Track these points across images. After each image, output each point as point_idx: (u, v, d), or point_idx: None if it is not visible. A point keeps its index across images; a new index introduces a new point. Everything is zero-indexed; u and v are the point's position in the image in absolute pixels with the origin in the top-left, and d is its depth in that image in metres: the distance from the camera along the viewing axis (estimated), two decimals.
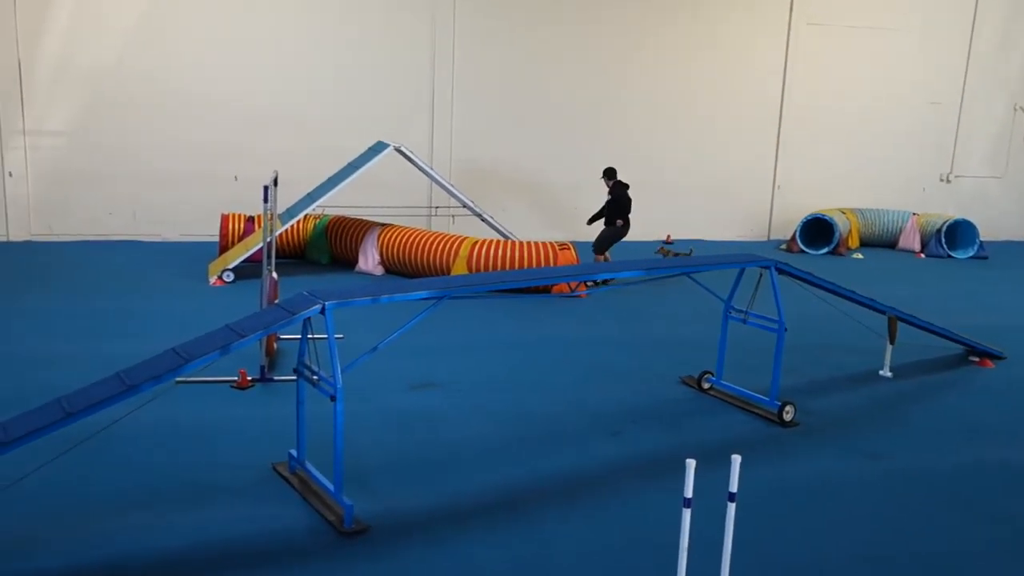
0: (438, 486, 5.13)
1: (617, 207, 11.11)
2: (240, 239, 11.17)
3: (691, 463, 3.43)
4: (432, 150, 13.72)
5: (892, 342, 7.61)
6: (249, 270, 10.18)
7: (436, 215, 13.19)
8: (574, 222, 11.60)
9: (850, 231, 14.79)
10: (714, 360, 7.00)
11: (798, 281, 6.91)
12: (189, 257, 11.63)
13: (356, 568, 4.21)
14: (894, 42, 15.65)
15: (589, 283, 9.88)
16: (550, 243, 10.63)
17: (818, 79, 15.38)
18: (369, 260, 11.25)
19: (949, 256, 14.46)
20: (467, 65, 13.76)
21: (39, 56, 12.22)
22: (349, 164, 11.28)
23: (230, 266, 10.31)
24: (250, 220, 11.36)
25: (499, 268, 10.27)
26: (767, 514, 4.91)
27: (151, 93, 12.61)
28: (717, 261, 6.86)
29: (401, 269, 11.05)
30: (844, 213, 15.00)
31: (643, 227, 14.25)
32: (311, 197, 10.96)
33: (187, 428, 5.79)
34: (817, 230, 14.65)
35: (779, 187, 15.68)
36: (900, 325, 7.61)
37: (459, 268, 10.41)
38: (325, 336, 4.55)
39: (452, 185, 12.00)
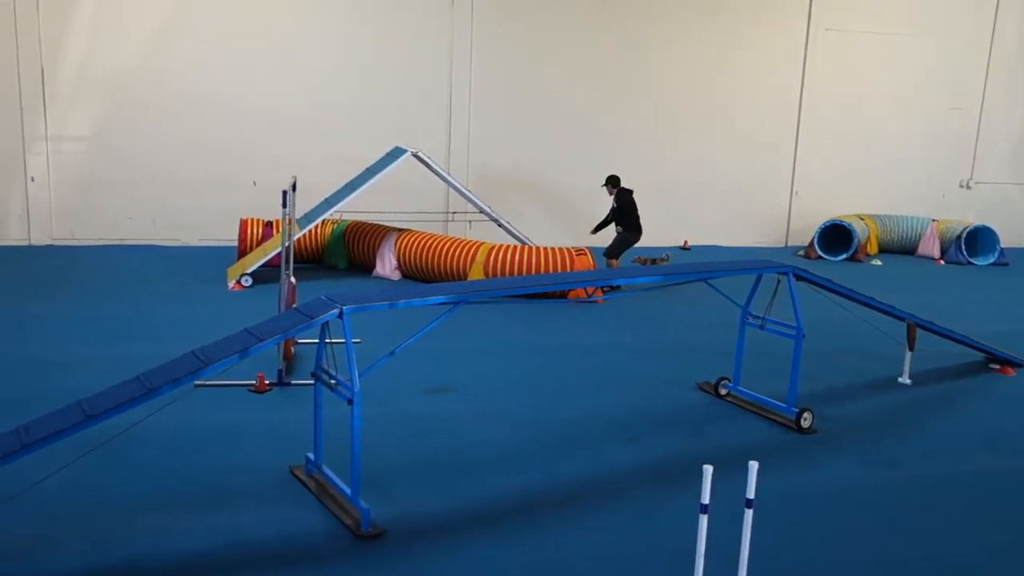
0: (454, 490, 5.14)
1: (623, 214, 11.11)
2: (258, 244, 11.23)
3: (708, 469, 3.42)
4: (449, 156, 13.77)
5: (911, 349, 7.56)
6: (267, 274, 10.24)
7: (453, 220, 13.23)
8: (591, 227, 11.60)
9: (868, 237, 14.70)
10: (731, 366, 6.98)
11: (816, 287, 6.88)
12: (208, 261, 11.72)
13: (373, 571, 4.22)
14: (913, 47, 15.58)
15: (606, 288, 9.86)
16: (567, 248, 10.63)
17: (836, 85, 15.32)
18: (386, 265, 11.29)
19: (969, 263, 14.35)
20: (485, 70, 13.80)
21: (61, 63, 12.36)
22: (367, 169, 11.33)
23: (248, 271, 10.37)
24: (268, 225, 11.43)
25: (516, 273, 10.27)
26: (784, 521, 4.89)
27: (171, 99, 12.73)
28: (734, 267, 6.82)
29: (418, 274, 11.08)
30: (863, 219, 14.91)
31: (661, 232, 14.28)
32: (329, 202, 11.01)
33: (205, 431, 5.82)
34: (835, 236, 14.58)
35: (797, 193, 15.62)
36: (919, 332, 7.55)
37: (476, 273, 10.42)
38: (343, 340, 4.57)
39: (469, 190, 12.03)
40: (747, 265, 6.95)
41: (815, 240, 14.48)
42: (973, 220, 15.16)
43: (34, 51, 12.22)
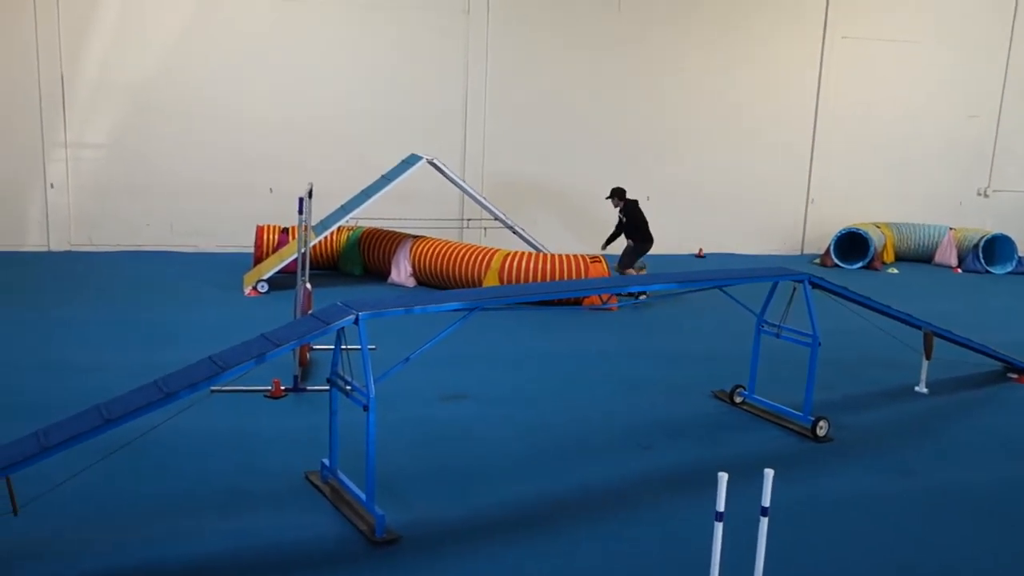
0: (469, 497, 5.15)
1: (634, 228, 11.12)
2: (275, 250, 11.30)
3: (723, 476, 3.42)
4: (464, 163, 13.80)
5: (928, 357, 7.51)
6: (283, 281, 10.30)
7: (468, 227, 13.25)
8: (605, 235, 11.60)
9: (885, 245, 14.63)
10: (746, 374, 6.96)
11: (832, 295, 6.85)
12: (224, 268, 11.80)
13: None
14: (930, 55, 15.50)
15: (622, 295, 9.86)
16: (581, 256, 10.64)
17: (853, 92, 15.27)
18: (401, 272, 11.32)
19: (987, 271, 14.25)
20: (500, 78, 13.83)
21: (81, 70, 12.49)
22: (382, 176, 11.38)
23: (265, 277, 10.43)
24: (284, 232, 11.49)
25: (530, 280, 10.29)
26: (800, 529, 4.87)
27: (189, 106, 12.84)
28: (750, 274, 6.81)
29: (433, 281, 11.11)
30: (879, 227, 14.84)
31: (676, 240, 14.27)
32: (344, 209, 11.07)
33: (222, 436, 5.86)
34: (851, 244, 14.51)
35: (813, 201, 15.56)
36: (936, 341, 7.51)
37: (491, 280, 10.45)
38: (358, 347, 4.59)
39: (484, 198, 12.05)
40: (762, 273, 6.94)
41: (831, 248, 14.42)
42: (991, 228, 15.06)
43: (54, 57, 12.35)
